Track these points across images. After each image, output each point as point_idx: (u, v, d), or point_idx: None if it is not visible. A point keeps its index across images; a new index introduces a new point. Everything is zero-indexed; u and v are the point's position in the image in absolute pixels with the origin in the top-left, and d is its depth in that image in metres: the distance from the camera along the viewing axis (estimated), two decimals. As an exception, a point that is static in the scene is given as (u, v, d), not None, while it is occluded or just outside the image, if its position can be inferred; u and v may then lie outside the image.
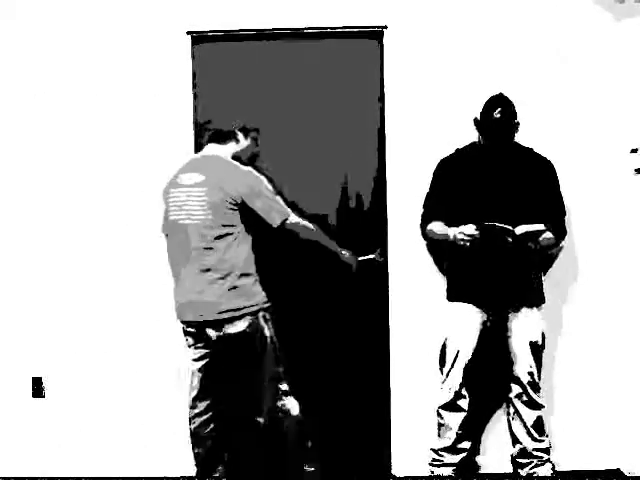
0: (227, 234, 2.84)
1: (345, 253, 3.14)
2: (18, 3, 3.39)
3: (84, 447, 3.46)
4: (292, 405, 2.97)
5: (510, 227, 2.99)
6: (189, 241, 2.87)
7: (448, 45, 3.35)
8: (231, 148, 2.97)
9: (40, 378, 3.45)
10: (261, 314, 2.89)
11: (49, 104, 3.40)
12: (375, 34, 3.39)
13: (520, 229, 3.00)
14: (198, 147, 3.42)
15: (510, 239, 2.99)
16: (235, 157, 2.97)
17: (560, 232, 3.20)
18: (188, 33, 3.37)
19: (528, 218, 3.04)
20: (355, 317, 3.45)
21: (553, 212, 3.18)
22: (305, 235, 2.98)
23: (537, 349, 3.17)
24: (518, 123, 3.16)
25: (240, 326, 2.86)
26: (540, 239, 3.07)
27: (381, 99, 3.40)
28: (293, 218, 2.92)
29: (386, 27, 3.36)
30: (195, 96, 3.42)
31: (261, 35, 3.40)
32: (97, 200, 3.41)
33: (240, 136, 2.99)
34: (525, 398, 3.17)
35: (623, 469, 3.40)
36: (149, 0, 3.37)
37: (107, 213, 3.41)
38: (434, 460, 3.24)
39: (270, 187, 2.91)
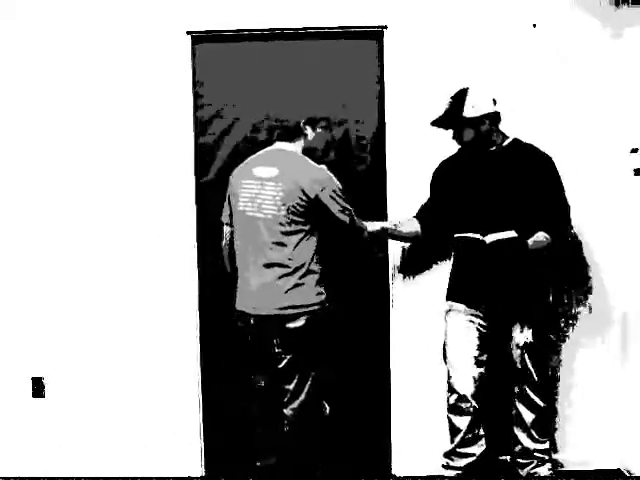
0: (298, 231, 2.84)
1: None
2: (18, 3, 3.39)
3: (84, 447, 3.46)
4: (326, 407, 3.00)
5: (479, 236, 2.97)
6: (258, 234, 2.87)
7: (448, 45, 3.35)
8: (301, 144, 2.95)
9: (40, 378, 3.45)
10: (320, 313, 2.89)
11: (49, 104, 3.40)
12: (375, 34, 3.39)
13: (489, 238, 2.96)
14: (198, 147, 3.43)
15: (482, 248, 2.97)
16: (308, 149, 2.95)
17: (558, 232, 3.07)
18: (188, 33, 3.37)
19: (521, 220, 2.99)
20: (355, 315, 3.45)
21: (548, 211, 3.04)
22: (366, 233, 3.02)
23: (535, 351, 3.11)
24: (488, 115, 3.03)
25: (299, 322, 2.86)
26: (530, 242, 2.97)
27: (381, 99, 3.40)
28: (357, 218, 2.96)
29: (386, 27, 3.37)
30: (195, 96, 3.42)
31: (261, 35, 3.40)
32: (98, 200, 3.41)
33: (308, 129, 2.95)
34: (524, 398, 3.14)
35: (623, 469, 3.40)
36: (149, 0, 3.37)
37: (107, 213, 3.41)
38: (445, 463, 3.22)
39: (340, 185, 2.89)
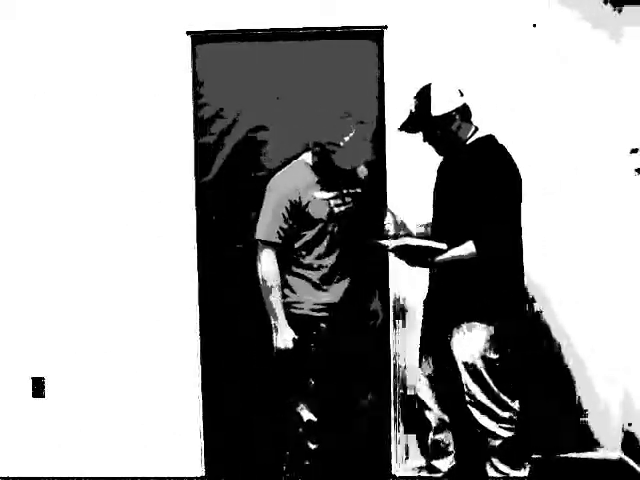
0: None
1: (281, 338, 2.87)
2: (18, 3, 3.39)
3: (84, 447, 3.46)
4: (301, 416, 2.95)
5: (383, 242, 2.83)
6: None
7: (448, 45, 3.35)
8: (311, 156, 2.96)
9: (40, 378, 3.45)
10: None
11: (49, 104, 3.40)
12: (375, 34, 3.39)
13: (392, 243, 2.80)
14: (198, 147, 3.43)
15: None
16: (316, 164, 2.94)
17: (480, 245, 2.69)
18: (188, 33, 3.37)
19: (459, 227, 2.75)
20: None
21: (475, 217, 2.69)
22: (259, 274, 2.88)
23: (474, 371, 2.77)
24: (457, 109, 2.76)
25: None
26: (446, 256, 2.72)
27: (381, 99, 3.40)
28: (264, 252, 2.86)
29: (386, 27, 3.37)
30: (195, 96, 3.42)
31: (262, 35, 3.40)
32: (97, 200, 3.41)
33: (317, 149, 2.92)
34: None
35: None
36: (149, 0, 3.37)
37: (107, 213, 3.41)
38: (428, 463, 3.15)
39: (279, 204, 2.84)
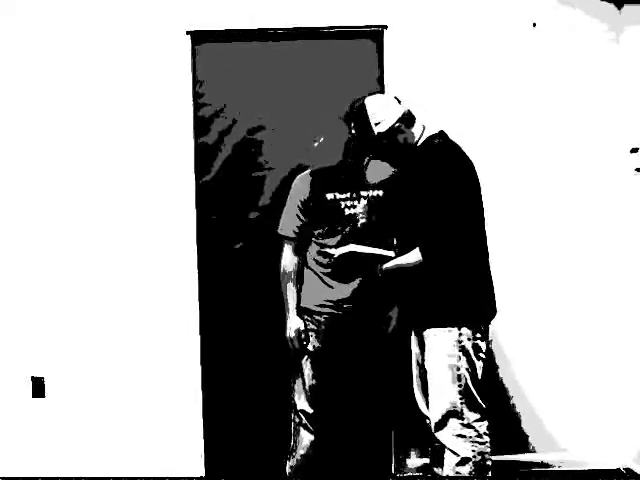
0: None
1: (288, 326, 3.01)
2: (18, 1, 3.38)
3: (84, 447, 3.46)
4: (295, 404, 3.05)
5: (330, 251, 2.86)
6: None
7: (448, 45, 3.36)
8: None
9: (40, 378, 3.45)
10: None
11: (48, 104, 3.39)
12: (375, 34, 3.39)
13: (338, 251, 2.81)
14: (198, 147, 3.43)
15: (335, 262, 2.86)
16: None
17: (427, 247, 2.61)
18: (188, 33, 3.37)
19: (412, 231, 2.69)
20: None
21: (421, 222, 2.62)
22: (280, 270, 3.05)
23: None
24: (393, 127, 2.66)
25: None
26: (392, 264, 2.71)
27: (381, 99, 3.41)
28: (284, 246, 3.03)
29: (386, 27, 3.37)
30: (195, 95, 3.42)
31: (261, 35, 3.40)
32: (97, 200, 3.41)
33: None
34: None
35: (622, 469, 3.40)
36: (149, 0, 3.37)
37: (107, 213, 3.41)
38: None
39: (293, 203, 2.99)
